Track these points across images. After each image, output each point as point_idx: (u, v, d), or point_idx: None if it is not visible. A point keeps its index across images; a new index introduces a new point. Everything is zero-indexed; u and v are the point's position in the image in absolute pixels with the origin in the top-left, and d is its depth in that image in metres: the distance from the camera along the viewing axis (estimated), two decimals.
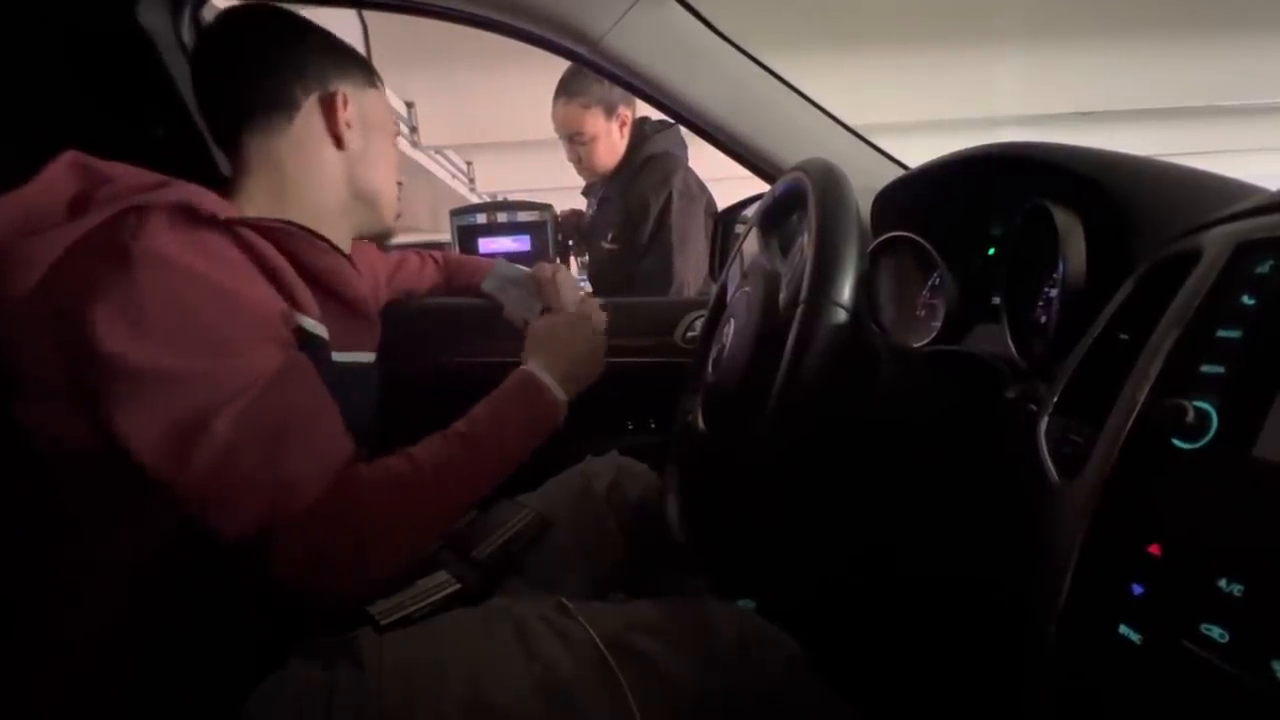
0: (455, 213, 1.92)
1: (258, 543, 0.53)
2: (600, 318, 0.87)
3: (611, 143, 1.58)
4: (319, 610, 0.60)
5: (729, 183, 1.42)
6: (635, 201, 1.54)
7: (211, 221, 0.57)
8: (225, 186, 0.66)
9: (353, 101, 0.70)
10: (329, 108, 0.68)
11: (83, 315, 0.50)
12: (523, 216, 1.87)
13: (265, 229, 0.61)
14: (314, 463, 0.56)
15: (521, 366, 0.73)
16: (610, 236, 1.61)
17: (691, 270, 1.53)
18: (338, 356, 0.68)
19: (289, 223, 0.64)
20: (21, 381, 0.54)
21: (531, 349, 0.77)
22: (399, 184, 0.79)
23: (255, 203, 0.66)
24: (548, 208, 1.88)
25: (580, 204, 1.92)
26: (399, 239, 1.01)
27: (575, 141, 1.58)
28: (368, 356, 0.76)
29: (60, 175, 0.57)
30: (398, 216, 0.79)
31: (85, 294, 0.50)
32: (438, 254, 1.12)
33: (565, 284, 1.00)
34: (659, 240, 1.51)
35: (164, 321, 0.52)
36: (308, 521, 0.54)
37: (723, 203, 1.27)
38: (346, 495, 0.56)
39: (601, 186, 1.68)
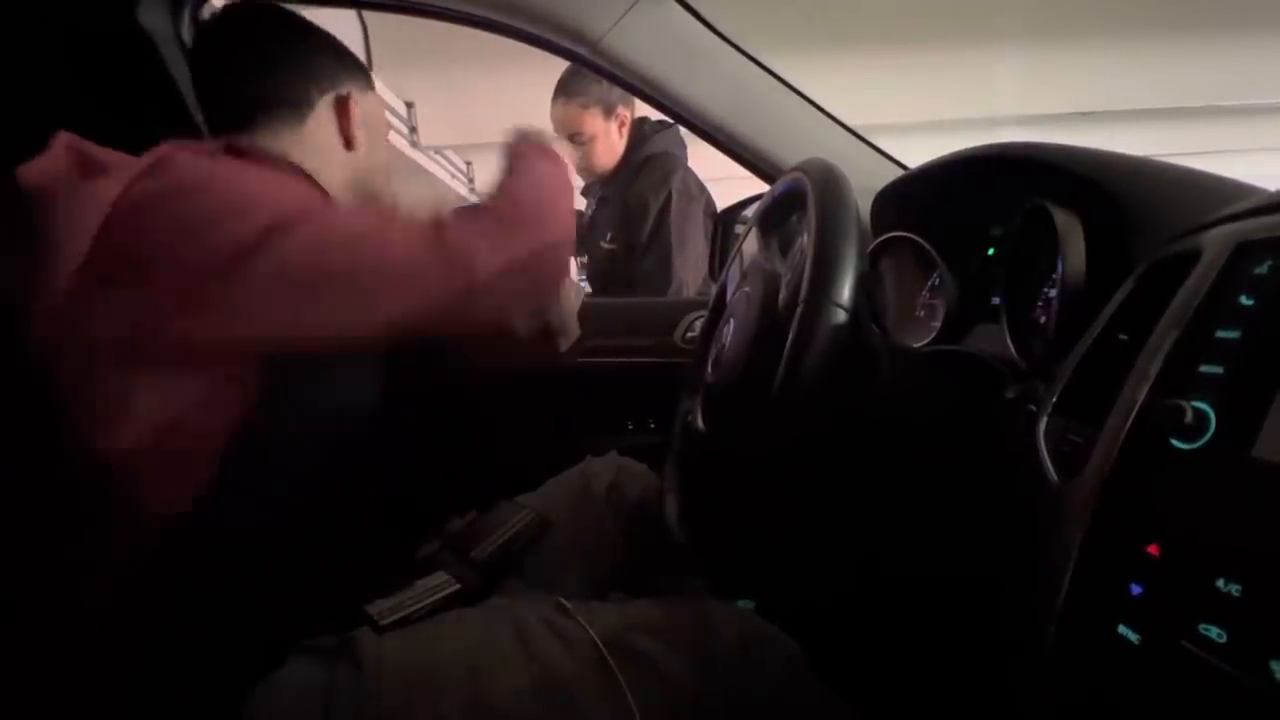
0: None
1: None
2: None
3: (610, 143, 1.58)
4: (318, 610, 0.60)
5: (729, 183, 1.42)
6: (634, 201, 1.54)
7: (248, 151, 0.63)
8: None
9: (359, 104, 0.70)
10: (342, 109, 0.69)
11: (171, 244, 0.51)
12: None
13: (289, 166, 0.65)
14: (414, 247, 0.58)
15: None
16: (609, 236, 1.61)
17: (690, 270, 1.53)
18: None
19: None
20: (76, 346, 0.53)
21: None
22: None
23: None
24: None
25: (579, 204, 1.92)
26: None
27: (574, 141, 1.58)
28: None
29: (60, 156, 0.58)
30: None
31: (166, 224, 0.52)
32: None
33: (567, 300, 0.99)
34: (658, 240, 1.51)
35: (242, 218, 0.52)
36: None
37: (722, 203, 1.27)
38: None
39: (600, 187, 1.68)
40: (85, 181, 0.55)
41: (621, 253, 1.59)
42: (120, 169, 0.57)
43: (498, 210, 0.65)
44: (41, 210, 0.54)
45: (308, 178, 0.66)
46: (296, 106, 0.67)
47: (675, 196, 1.51)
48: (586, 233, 1.78)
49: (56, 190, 0.55)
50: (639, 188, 1.54)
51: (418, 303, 0.58)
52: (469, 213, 0.64)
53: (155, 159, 0.54)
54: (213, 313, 0.52)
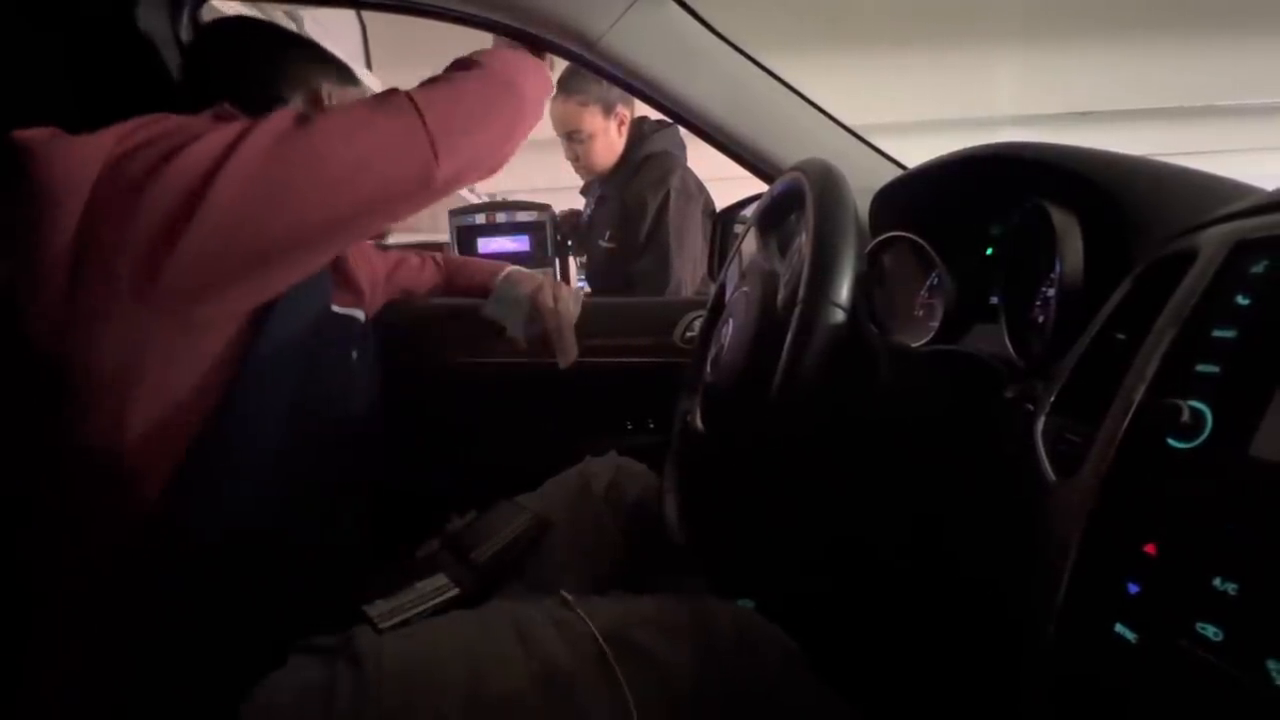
0: (454, 213, 1.92)
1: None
2: None
3: (609, 141, 1.58)
4: (318, 610, 0.60)
5: (728, 183, 1.42)
6: (633, 200, 1.54)
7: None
8: None
9: (336, 97, 0.73)
10: (314, 103, 0.71)
11: (154, 208, 0.50)
12: (521, 217, 1.87)
13: None
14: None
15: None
16: (608, 235, 1.61)
17: (689, 269, 1.53)
18: (335, 307, 0.70)
19: None
20: (66, 330, 0.53)
21: None
22: None
23: None
24: (546, 208, 1.88)
25: (579, 204, 1.92)
26: (398, 239, 1.01)
27: (572, 139, 1.58)
28: (358, 313, 0.77)
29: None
30: None
31: (149, 189, 0.51)
32: (438, 255, 1.12)
33: (565, 310, 0.99)
34: (656, 239, 1.51)
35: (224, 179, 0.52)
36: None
37: (722, 203, 1.27)
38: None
39: (599, 186, 1.68)
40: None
41: (620, 251, 1.59)
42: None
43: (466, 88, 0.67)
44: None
45: None
46: (269, 105, 0.68)
47: (674, 195, 1.51)
48: (585, 232, 1.78)
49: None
50: (638, 187, 1.54)
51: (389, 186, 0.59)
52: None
53: (131, 129, 0.54)
54: (188, 242, 0.51)
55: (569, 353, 0.93)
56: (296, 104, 0.70)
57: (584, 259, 1.88)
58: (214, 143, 0.53)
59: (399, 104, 0.60)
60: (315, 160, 0.55)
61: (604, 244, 1.62)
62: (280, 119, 0.56)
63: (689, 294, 1.53)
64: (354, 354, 0.73)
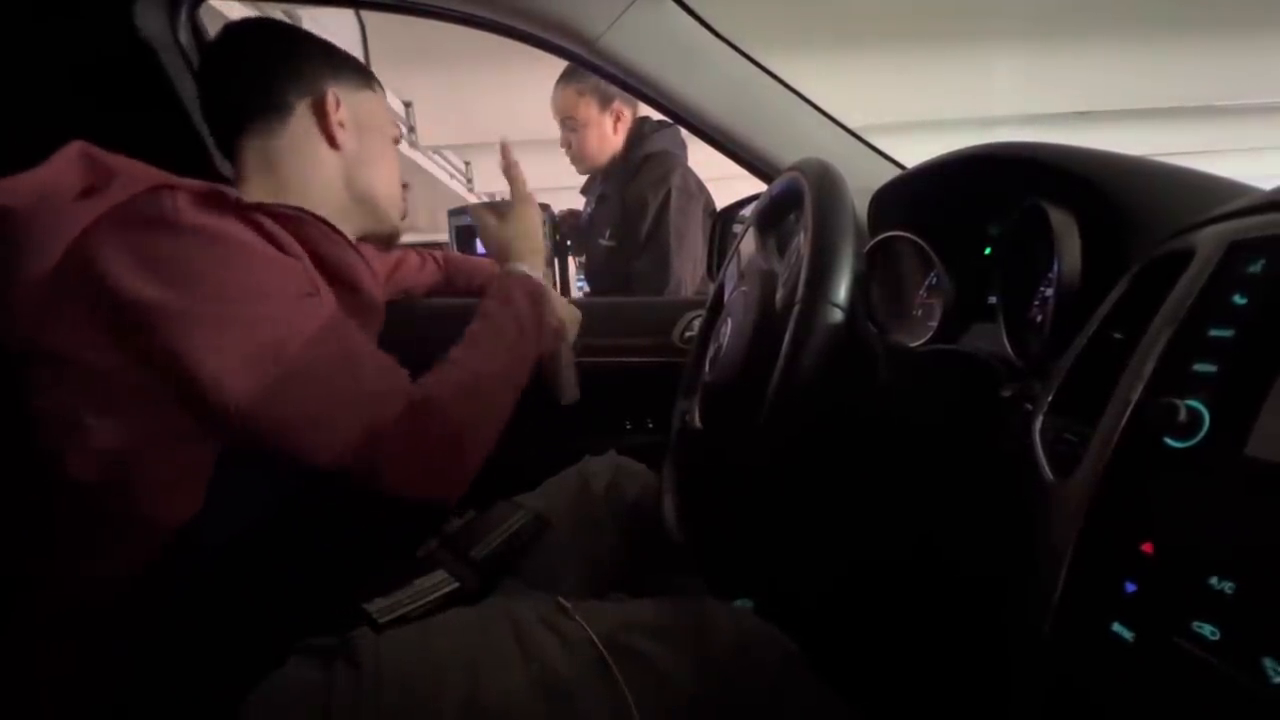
0: (453, 213, 1.92)
1: (353, 468, 0.57)
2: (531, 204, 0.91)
3: (603, 133, 1.58)
4: (317, 609, 0.60)
5: (727, 182, 1.43)
6: (634, 199, 1.54)
7: (236, 205, 0.59)
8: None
9: (345, 103, 0.72)
10: (320, 109, 0.70)
11: (130, 280, 0.51)
12: None
13: (283, 217, 0.63)
14: (389, 380, 0.62)
15: (500, 270, 0.81)
16: (608, 234, 1.61)
17: (689, 268, 1.53)
18: None
19: (303, 210, 0.66)
20: (39, 361, 0.54)
21: (495, 255, 0.86)
22: (404, 186, 0.79)
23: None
24: (545, 207, 1.87)
25: (578, 203, 1.92)
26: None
27: (566, 126, 1.59)
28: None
29: (70, 164, 0.58)
30: (403, 217, 0.80)
31: (129, 261, 0.52)
32: (438, 254, 1.12)
33: (566, 362, 0.98)
34: (657, 238, 1.51)
35: (218, 276, 0.54)
36: (406, 431, 0.59)
37: (721, 203, 1.27)
38: (428, 402, 0.61)
39: (600, 184, 1.68)
40: (81, 200, 0.55)
41: (620, 250, 1.59)
42: (127, 177, 0.58)
43: (463, 367, 0.69)
44: (24, 219, 0.54)
45: (301, 219, 0.66)
46: (278, 110, 0.69)
47: (674, 194, 1.51)
48: (585, 231, 1.78)
49: (49, 201, 0.55)
50: (638, 185, 1.54)
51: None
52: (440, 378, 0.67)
53: (135, 195, 0.55)
54: (155, 366, 0.52)
55: (569, 394, 0.92)
56: (304, 108, 0.70)
57: (584, 258, 1.87)
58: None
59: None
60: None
61: (604, 243, 1.62)
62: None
63: (689, 293, 1.53)
64: None
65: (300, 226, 0.65)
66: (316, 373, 0.56)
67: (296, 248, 0.62)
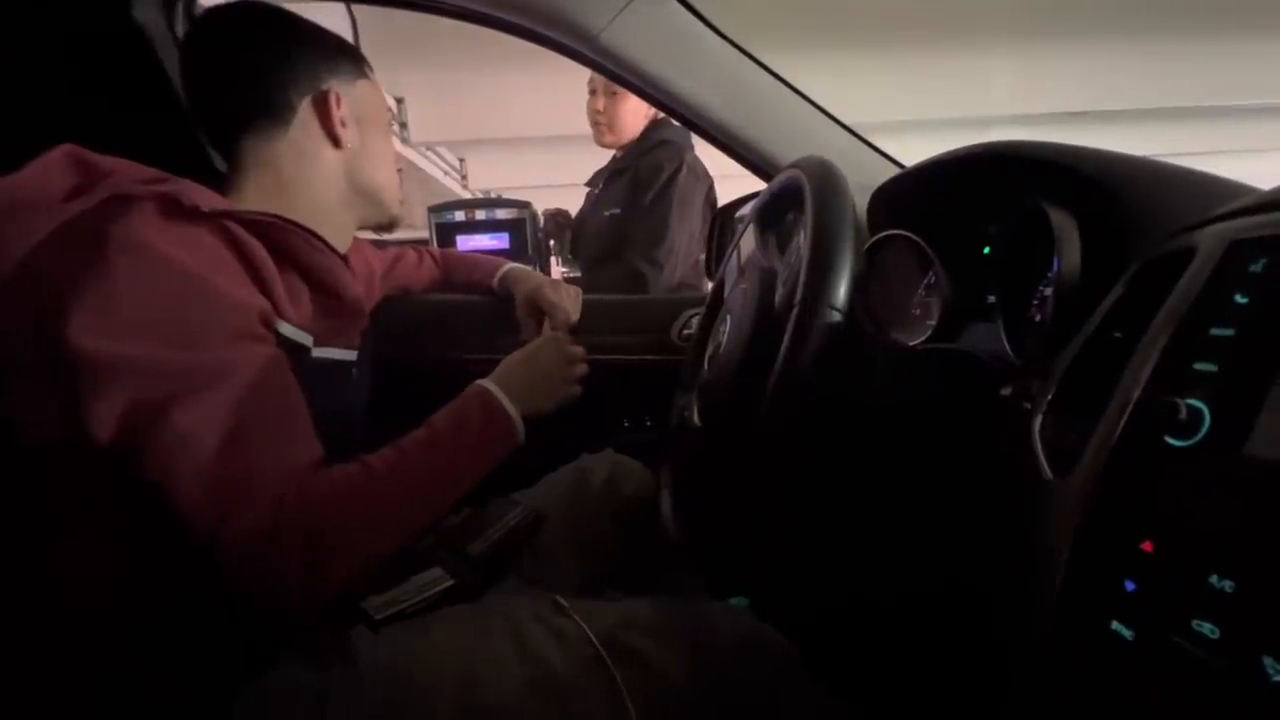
0: (433, 209, 1.90)
1: (210, 544, 0.52)
2: (573, 350, 0.77)
3: (635, 107, 1.60)
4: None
5: (726, 180, 1.43)
6: (647, 166, 1.58)
7: (196, 214, 0.55)
8: (223, 184, 0.66)
9: (345, 98, 0.69)
10: (323, 108, 0.68)
11: (57, 300, 0.49)
12: (501, 214, 1.86)
13: (253, 223, 0.59)
14: (272, 463, 0.54)
15: (477, 382, 0.69)
16: (615, 204, 1.64)
17: (685, 239, 1.56)
18: (318, 352, 0.66)
19: (279, 217, 0.62)
20: (4, 369, 0.53)
21: (504, 370, 0.72)
22: (399, 171, 0.78)
23: (252, 201, 0.66)
24: (526, 205, 1.86)
25: (569, 202, 1.92)
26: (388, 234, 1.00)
27: (605, 92, 1.60)
28: (349, 354, 0.74)
29: (55, 167, 0.57)
30: (401, 203, 0.79)
31: (62, 279, 0.50)
32: (436, 250, 1.11)
33: (565, 316, 0.98)
34: (662, 200, 1.55)
35: (133, 310, 0.51)
36: (259, 526, 0.51)
37: (721, 201, 1.28)
38: (302, 500, 0.53)
39: (611, 162, 1.71)
40: (63, 204, 0.54)
41: (624, 215, 1.61)
42: (115, 179, 0.57)
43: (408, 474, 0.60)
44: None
45: (279, 226, 0.62)
46: (279, 112, 0.66)
47: (685, 169, 1.56)
48: (587, 212, 1.77)
49: (19, 209, 0.54)
50: (654, 156, 1.58)
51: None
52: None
53: (101, 203, 0.53)
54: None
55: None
56: (305, 108, 0.67)
57: (568, 256, 1.87)
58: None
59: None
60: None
61: (608, 213, 1.64)
62: None
63: (682, 269, 1.56)
64: (333, 394, 0.69)
65: (277, 234, 0.61)
66: (194, 439, 0.51)
67: (263, 258, 0.59)
